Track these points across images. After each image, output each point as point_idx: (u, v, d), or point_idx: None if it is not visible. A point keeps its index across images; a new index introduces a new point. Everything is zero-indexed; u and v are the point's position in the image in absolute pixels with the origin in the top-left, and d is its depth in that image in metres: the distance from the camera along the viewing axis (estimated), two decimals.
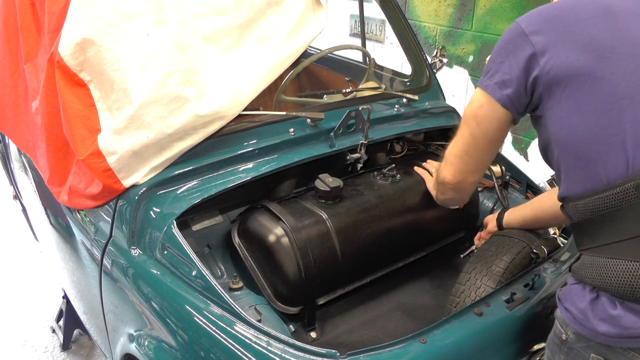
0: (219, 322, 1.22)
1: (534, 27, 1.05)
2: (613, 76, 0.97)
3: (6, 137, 2.52)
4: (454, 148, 1.27)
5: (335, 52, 2.50)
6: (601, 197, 0.99)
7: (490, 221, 1.70)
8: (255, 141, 1.63)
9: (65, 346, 2.65)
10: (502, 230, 1.64)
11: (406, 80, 2.28)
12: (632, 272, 0.94)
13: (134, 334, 1.45)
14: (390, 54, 4.42)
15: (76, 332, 2.69)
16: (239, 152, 1.60)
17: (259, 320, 1.29)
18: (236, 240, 1.56)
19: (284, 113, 1.72)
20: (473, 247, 1.74)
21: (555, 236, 1.67)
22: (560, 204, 1.13)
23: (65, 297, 2.53)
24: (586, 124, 1.00)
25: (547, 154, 1.16)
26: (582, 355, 1.03)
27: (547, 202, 1.49)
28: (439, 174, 1.39)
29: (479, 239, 1.74)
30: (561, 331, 1.08)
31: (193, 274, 1.32)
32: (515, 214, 1.61)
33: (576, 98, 1.00)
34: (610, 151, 0.98)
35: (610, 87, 0.98)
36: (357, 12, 2.63)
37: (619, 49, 0.98)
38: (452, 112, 2.07)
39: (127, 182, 1.48)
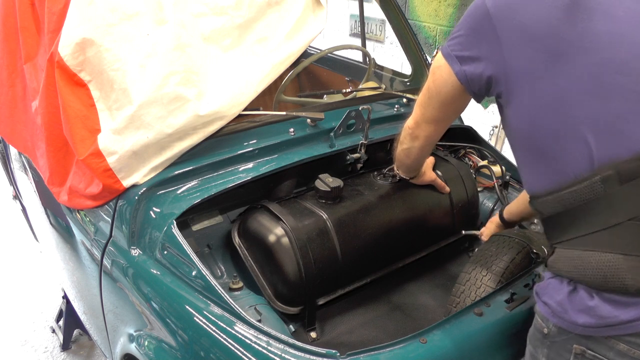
0: (219, 322, 1.22)
1: (499, 10, 1.02)
2: (573, 70, 0.97)
3: None
4: (418, 97, 1.30)
5: (335, 52, 2.50)
6: (569, 192, 0.99)
7: (494, 216, 1.73)
8: (255, 141, 1.63)
9: (65, 346, 2.65)
10: (505, 222, 1.65)
11: (406, 80, 2.28)
12: (605, 263, 0.95)
13: (134, 334, 1.45)
14: (390, 54, 4.42)
15: (76, 332, 2.69)
16: (239, 152, 1.60)
17: (259, 320, 1.29)
18: (236, 240, 1.56)
19: (284, 113, 1.72)
20: (478, 233, 1.78)
21: None
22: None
23: (65, 297, 2.53)
24: (547, 119, 1.00)
25: (509, 140, 1.16)
26: (565, 347, 1.04)
27: None
28: None
29: (486, 232, 1.76)
30: (542, 325, 1.09)
31: (193, 274, 1.31)
32: (513, 204, 1.63)
33: (536, 93, 1.00)
34: (573, 146, 0.98)
35: (569, 83, 0.97)
36: (357, 12, 2.63)
37: (579, 42, 0.96)
38: None
39: (127, 182, 1.48)
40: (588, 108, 0.96)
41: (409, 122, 1.36)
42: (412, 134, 1.37)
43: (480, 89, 1.11)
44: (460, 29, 1.11)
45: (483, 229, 1.76)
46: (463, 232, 1.82)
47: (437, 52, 2.12)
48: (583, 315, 0.98)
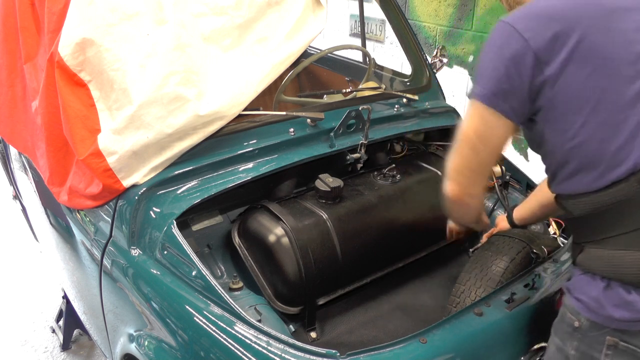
0: (219, 322, 1.22)
1: (533, 32, 0.99)
2: (617, 86, 0.98)
3: None
4: (454, 162, 1.16)
5: (335, 52, 2.50)
6: (605, 194, 1.00)
7: (502, 220, 1.69)
8: (255, 141, 1.63)
9: (65, 346, 2.65)
10: (515, 226, 1.62)
11: (406, 80, 2.28)
12: None
13: (134, 334, 1.45)
14: (390, 54, 4.42)
15: (76, 332, 2.69)
16: (239, 152, 1.60)
17: (259, 320, 1.29)
18: (236, 240, 1.56)
19: (284, 113, 1.72)
20: (481, 244, 1.75)
21: (556, 236, 1.67)
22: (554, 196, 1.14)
23: (65, 297, 2.53)
24: (593, 134, 1.01)
25: (539, 149, 1.14)
26: (597, 339, 1.05)
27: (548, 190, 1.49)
28: (443, 189, 1.27)
29: (488, 237, 1.74)
30: (572, 319, 1.09)
31: (193, 274, 1.31)
32: (524, 207, 1.60)
33: (582, 112, 1.00)
34: (614, 155, 0.99)
35: (616, 96, 0.98)
36: (357, 12, 2.63)
37: (618, 55, 0.98)
38: (452, 111, 2.07)
39: (127, 182, 1.48)
40: (632, 120, 0.98)
41: (447, 192, 1.19)
42: (457, 203, 1.21)
43: (525, 115, 1.07)
44: (487, 67, 1.05)
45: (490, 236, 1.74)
46: (470, 250, 1.80)
47: (437, 52, 2.12)
48: (620, 310, 1.00)
